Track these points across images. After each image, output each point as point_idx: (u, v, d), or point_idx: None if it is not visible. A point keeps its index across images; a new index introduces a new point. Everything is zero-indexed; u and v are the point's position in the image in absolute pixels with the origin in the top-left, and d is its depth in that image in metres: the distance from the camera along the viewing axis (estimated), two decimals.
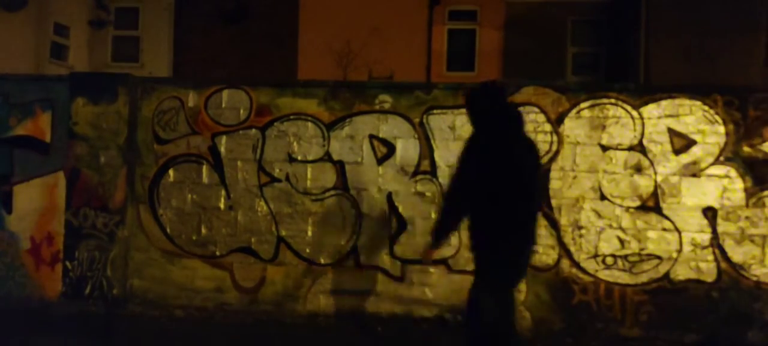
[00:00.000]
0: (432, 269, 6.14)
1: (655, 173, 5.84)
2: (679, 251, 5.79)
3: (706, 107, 5.80)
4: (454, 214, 4.22)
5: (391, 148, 6.21)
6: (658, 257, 5.82)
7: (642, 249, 5.84)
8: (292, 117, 6.31)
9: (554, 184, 5.93)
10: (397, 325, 6.02)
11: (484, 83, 4.48)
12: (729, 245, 5.74)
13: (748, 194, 5.74)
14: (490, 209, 3.97)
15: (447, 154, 6.13)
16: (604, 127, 5.91)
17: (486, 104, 4.23)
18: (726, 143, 5.76)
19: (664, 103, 5.86)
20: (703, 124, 5.80)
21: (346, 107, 6.26)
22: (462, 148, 4.27)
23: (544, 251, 5.92)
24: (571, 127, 5.93)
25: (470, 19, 14.49)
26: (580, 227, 5.91)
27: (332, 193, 6.26)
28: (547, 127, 5.94)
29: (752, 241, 5.72)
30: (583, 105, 5.94)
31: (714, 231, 5.76)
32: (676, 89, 5.90)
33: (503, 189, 3.93)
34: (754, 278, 5.70)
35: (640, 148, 5.87)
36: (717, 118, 5.78)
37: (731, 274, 5.73)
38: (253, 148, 6.34)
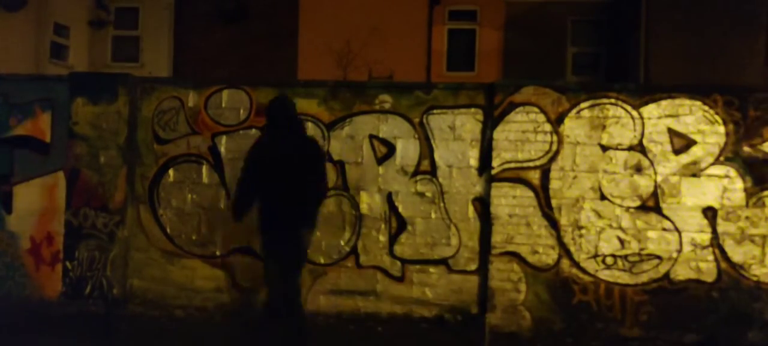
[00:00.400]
0: (432, 270, 6.15)
1: (655, 173, 5.84)
2: (679, 251, 5.79)
3: (706, 107, 5.79)
4: (242, 200, 4.94)
5: (391, 148, 6.21)
6: (658, 257, 5.82)
7: (642, 249, 5.84)
8: None
9: (554, 184, 5.93)
10: (397, 325, 6.02)
11: (277, 97, 5.17)
12: (729, 245, 5.74)
13: (748, 193, 5.74)
14: (270, 198, 4.76)
15: (447, 154, 6.14)
16: (604, 127, 5.91)
17: (276, 113, 4.95)
18: (726, 143, 5.76)
19: (664, 103, 5.86)
20: (703, 124, 5.80)
21: (346, 107, 6.27)
22: (253, 144, 5.11)
23: (544, 251, 5.92)
24: (571, 127, 5.93)
25: (470, 19, 14.49)
26: (580, 227, 5.91)
27: (332, 193, 6.25)
28: (547, 127, 5.94)
29: (752, 241, 5.72)
30: (583, 105, 5.94)
31: (714, 231, 5.76)
32: (676, 89, 5.90)
33: (280, 181, 4.70)
34: (754, 278, 5.70)
35: (640, 148, 5.87)
36: (717, 118, 5.78)
37: (731, 274, 5.73)
38: None
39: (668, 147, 5.84)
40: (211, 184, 6.41)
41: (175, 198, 6.46)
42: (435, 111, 6.17)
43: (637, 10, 12.28)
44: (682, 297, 5.76)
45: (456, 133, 6.14)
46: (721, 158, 5.77)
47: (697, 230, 5.78)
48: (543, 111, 5.96)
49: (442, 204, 6.15)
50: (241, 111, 6.38)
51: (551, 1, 14.00)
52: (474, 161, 6.13)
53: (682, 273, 5.78)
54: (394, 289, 6.19)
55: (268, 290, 5.00)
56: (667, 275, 5.81)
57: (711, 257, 5.76)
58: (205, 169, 6.42)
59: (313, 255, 6.26)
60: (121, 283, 6.44)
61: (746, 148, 5.74)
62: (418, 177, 6.18)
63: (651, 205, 5.85)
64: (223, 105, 6.41)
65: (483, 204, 6.08)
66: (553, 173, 5.94)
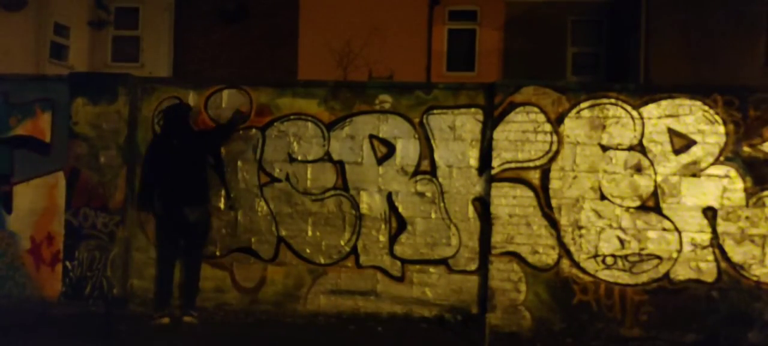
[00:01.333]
0: (432, 270, 6.15)
1: (655, 173, 5.84)
2: (679, 251, 5.79)
3: (706, 107, 5.79)
4: (148, 187, 6.15)
5: (391, 148, 6.21)
6: (658, 257, 5.82)
7: (642, 249, 5.84)
8: (292, 117, 6.32)
9: (554, 184, 5.93)
10: (397, 325, 6.02)
11: (175, 104, 6.29)
12: (729, 245, 5.74)
13: (748, 193, 5.73)
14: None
15: (447, 154, 6.14)
16: (604, 127, 5.91)
17: (171, 115, 6.21)
18: (726, 143, 5.76)
19: (664, 103, 5.86)
20: (703, 124, 5.80)
21: (346, 107, 6.27)
22: (152, 141, 6.28)
23: (544, 251, 5.92)
24: (571, 127, 5.93)
25: (470, 19, 14.50)
26: (580, 227, 5.91)
27: (332, 193, 6.26)
28: (547, 127, 5.94)
29: (752, 241, 5.72)
30: (583, 105, 5.94)
31: (714, 231, 5.76)
32: (676, 89, 5.90)
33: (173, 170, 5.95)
34: (754, 278, 5.70)
35: (640, 148, 5.87)
36: (717, 118, 5.77)
37: (731, 274, 5.73)
38: (253, 149, 6.34)
39: (668, 147, 5.84)
40: (211, 184, 6.40)
41: None
42: (435, 111, 6.17)
43: (637, 11, 12.29)
44: (682, 297, 5.76)
45: (456, 133, 6.15)
46: (721, 158, 5.76)
47: (697, 230, 5.78)
48: (543, 111, 5.96)
49: (442, 204, 6.15)
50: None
51: (551, 2, 14.00)
52: (474, 161, 6.13)
53: (682, 273, 5.78)
54: (395, 289, 6.20)
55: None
56: (667, 275, 5.81)
57: (711, 257, 5.76)
58: None
59: (313, 255, 6.28)
60: (122, 283, 6.44)
61: (746, 148, 5.74)
62: (418, 177, 6.19)
63: (651, 205, 5.85)
64: (224, 105, 6.41)
65: (483, 204, 6.09)
66: (553, 173, 5.94)
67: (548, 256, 5.92)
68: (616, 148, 5.90)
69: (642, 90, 6.13)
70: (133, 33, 14.14)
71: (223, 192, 6.37)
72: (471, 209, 6.12)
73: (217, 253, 6.40)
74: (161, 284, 6.18)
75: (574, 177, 5.94)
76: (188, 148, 6.03)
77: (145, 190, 6.18)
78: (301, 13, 13.79)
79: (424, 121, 6.18)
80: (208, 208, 6.19)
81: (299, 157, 6.29)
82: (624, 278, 5.85)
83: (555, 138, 5.95)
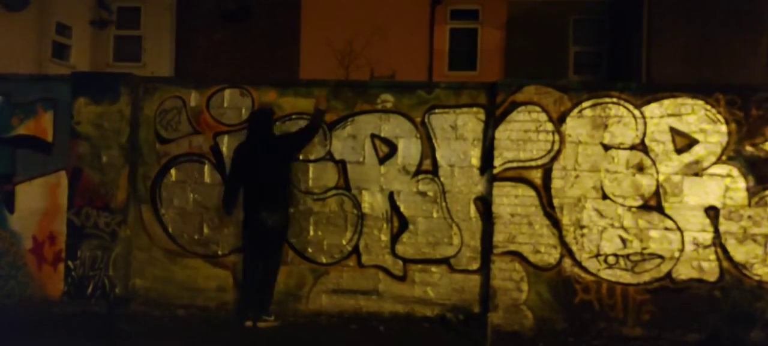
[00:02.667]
0: (434, 269, 6.15)
1: (657, 173, 5.84)
2: (681, 250, 5.78)
3: (709, 106, 5.79)
4: (231, 191, 6.16)
5: (392, 148, 6.22)
6: (660, 257, 5.81)
7: (644, 248, 5.83)
8: (294, 116, 6.32)
9: (556, 183, 5.93)
10: (399, 324, 6.02)
11: (260, 109, 6.27)
12: (731, 245, 5.74)
13: (751, 193, 5.73)
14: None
15: (449, 154, 6.14)
16: (606, 127, 5.90)
17: (257, 120, 6.15)
18: (728, 142, 5.75)
19: (666, 102, 5.85)
20: (705, 123, 5.79)
21: (348, 107, 6.27)
22: (237, 145, 6.21)
23: (546, 251, 5.92)
24: (573, 126, 5.93)
25: (472, 18, 14.46)
26: (582, 227, 5.90)
27: (334, 192, 6.26)
28: (549, 126, 5.94)
29: (754, 240, 5.71)
30: (585, 104, 5.94)
31: (716, 230, 5.75)
32: (679, 88, 5.89)
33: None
34: (757, 278, 5.69)
35: (642, 147, 5.86)
36: (719, 117, 5.77)
37: (733, 273, 5.73)
38: None
39: (670, 146, 5.83)
40: (213, 183, 6.42)
41: (177, 198, 6.47)
42: (437, 110, 6.17)
43: (639, 10, 12.26)
44: (684, 296, 5.76)
45: (458, 132, 6.14)
46: (724, 157, 5.76)
47: (699, 230, 5.77)
48: (545, 110, 5.96)
49: (443, 203, 6.15)
50: (243, 110, 6.39)
51: (553, 1, 13.96)
52: (476, 161, 6.13)
53: (684, 272, 5.78)
54: (396, 288, 6.20)
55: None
56: (669, 275, 5.80)
57: (713, 257, 5.75)
58: (207, 168, 6.43)
59: (315, 254, 6.28)
60: (124, 282, 6.45)
61: (748, 148, 5.73)
62: (420, 176, 6.19)
63: (653, 204, 5.84)
64: (225, 105, 6.42)
65: (485, 203, 6.09)
66: (555, 173, 5.94)
67: (550, 255, 5.92)
68: (618, 148, 5.89)
69: (644, 89, 6.12)
70: (134, 33, 14.12)
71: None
72: (473, 208, 6.12)
73: (219, 252, 6.41)
74: (245, 288, 6.09)
75: (576, 176, 5.93)
76: (271, 151, 5.98)
77: (228, 193, 6.14)
78: (302, 12, 13.77)
79: (426, 120, 6.18)
80: (287, 213, 6.12)
81: (301, 157, 6.29)
82: (626, 278, 5.85)
83: (557, 137, 5.94)
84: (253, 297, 5.99)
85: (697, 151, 5.79)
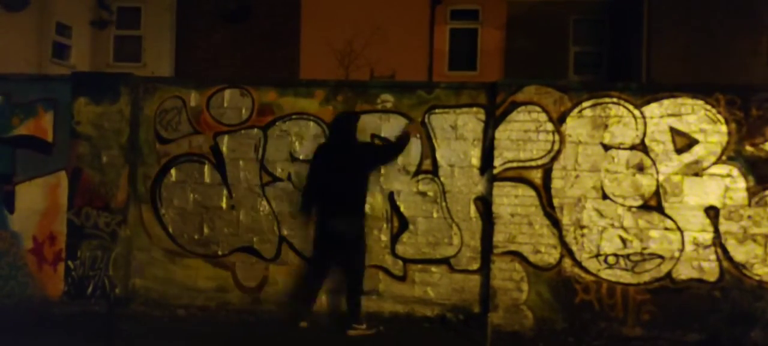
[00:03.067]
0: (434, 269, 6.15)
1: (657, 172, 5.84)
2: (682, 250, 5.78)
3: (709, 106, 5.78)
4: (308, 194, 6.08)
5: None
6: (661, 257, 5.81)
7: (644, 248, 5.83)
8: (294, 116, 6.32)
9: (556, 183, 5.93)
10: (399, 324, 6.02)
11: (346, 114, 6.14)
12: (731, 245, 5.73)
13: (751, 193, 5.72)
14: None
15: (449, 154, 6.14)
16: (606, 127, 5.90)
17: (341, 125, 6.04)
18: (728, 142, 5.75)
19: (666, 102, 5.85)
20: (705, 123, 5.79)
21: (348, 107, 6.27)
22: (317, 148, 6.12)
23: (546, 251, 5.92)
24: (573, 126, 5.93)
25: (472, 18, 14.48)
26: (582, 227, 5.90)
27: None
28: (549, 126, 5.94)
29: (754, 240, 5.71)
30: (585, 104, 5.93)
31: (716, 230, 5.75)
32: (678, 88, 5.89)
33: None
34: (757, 278, 5.69)
35: (642, 147, 5.86)
36: (719, 117, 5.76)
37: (733, 273, 5.72)
38: (255, 148, 6.35)
39: (670, 146, 5.83)
40: (213, 183, 6.42)
41: (177, 198, 6.47)
42: (437, 110, 6.17)
43: (639, 10, 12.27)
44: (685, 297, 5.76)
45: (458, 132, 6.14)
46: (724, 157, 5.75)
47: (699, 230, 5.77)
48: (545, 110, 5.96)
49: (443, 203, 6.15)
50: (243, 110, 6.39)
51: (553, 1, 13.98)
52: (476, 161, 6.12)
53: (684, 272, 5.78)
54: (396, 288, 6.20)
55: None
56: (669, 275, 5.80)
57: (713, 257, 5.75)
58: (207, 168, 6.43)
59: None
60: (124, 282, 6.45)
61: (748, 148, 5.73)
62: (420, 176, 6.18)
63: (653, 204, 5.84)
64: (225, 105, 6.42)
65: (485, 203, 6.08)
66: (555, 173, 5.94)
67: (550, 255, 5.92)
68: (618, 148, 5.89)
69: (644, 89, 6.12)
70: (135, 33, 14.13)
71: (225, 191, 6.38)
72: (473, 208, 6.12)
73: (219, 252, 6.41)
74: (306, 290, 6.01)
75: (576, 176, 5.93)
76: (354, 159, 5.89)
77: (305, 196, 6.09)
78: (302, 12, 13.78)
79: (426, 120, 6.17)
80: (363, 222, 6.00)
81: (301, 157, 6.30)
82: (626, 278, 5.85)
83: (557, 137, 5.94)
84: (311, 301, 5.96)
85: (697, 151, 5.79)
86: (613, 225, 5.87)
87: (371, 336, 5.69)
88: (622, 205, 5.87)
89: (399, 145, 6.06)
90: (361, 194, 5.94)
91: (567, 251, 5.91)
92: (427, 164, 6.17)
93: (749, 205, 5.72)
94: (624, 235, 5.86)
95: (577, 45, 14.08)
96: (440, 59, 14.25)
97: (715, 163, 5.76)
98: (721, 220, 5.74)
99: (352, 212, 5.84)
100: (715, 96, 5.79)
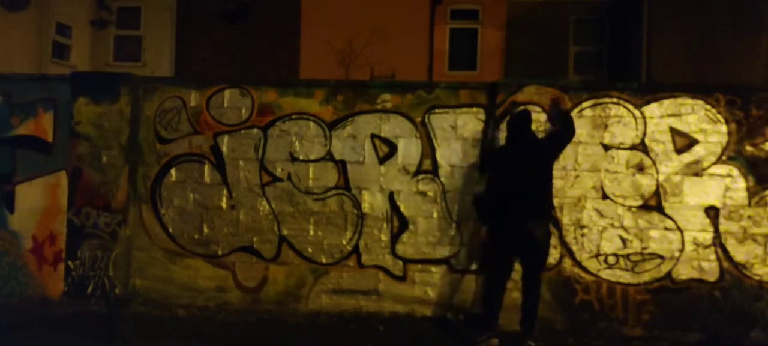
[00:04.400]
0: (434, 269, 6.15)
1: (657, 172, 5.84)
2: (682, 250, 5.79)
3: (709, 106, 5.79)
4: (487, 199, 5.58)
5: (392, 148, 6.22)
6: (661, 257, 5.81)
7: (644, 248, 5.83)
8: (293, 116, 6.32)
9: (556, 183, 5.92)
10: (398, 324, 6.02)
11: (520, 112, 5.75)
12: (731, 245, 5.74)
13: (751, 193, 5.73)
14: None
15: (448, 154, 6.14)
16: (606, 127, 5.90)
17: (516, 124, 5.60)
18: (728, 142, 5.76)
19: (666, 102, 5.86)
20: (705, 123, 5.79)
21: (348, 107, 6.27)
22: (491, 150, 5.89)
23: None
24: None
25: (472, 18, 14.47)
26: (582, 227, 5.90)
27: (334, 192, 6.26)
28: (549, 126, 5.93)
29: (755, 240, 5.72)
30: (585, 104, 5.94)
31: (716, 230, 5.76)
32: (679, 88, 5.89)
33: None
34: (757, 278, 5.69)
35: (642, 147, 5.87)
36: (719, 117, 5.77)
37: (733, 273, 5.73)
38: (255, 148, 6.35)
39: (670, 146, 5.84)
40: (213, 183, 6.42)
41: (177, 198, 6.48)
42: (437, 110, 6.17)
43: (640, 9, 12.27)
44: (685, 296, 5.76)
45: (458, 132, 6.14)
46: (724, 157, 5.76)
47: (699, 230, 5.77)
48: (545, 110, 5.95)
49: (443, 203, 6.14)
50: (243, 110, 6.39)
51: (553, 1, 13.98)
52: (476, 160, 6.12)
53: (684, 272, 5.78)
54: (396, 288, 6.20)
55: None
56: (669, 275, 5.80)
57: (713, 257, 5.75)
58: (207, 168, 6.44)
59: (315, 254, 6.28)
60: (124, 282, 6.45)
61: (749, 148, 5.73)
62: (420, 176, 6.19)
63: (653, 204, 5.84)
64: (225, 104, 6.42)
65: None
66: (555, 172, 5.91)
67: (550, 255, 5.90)
68: (618, 148, 5.89)
69: (644, 89, 6.12)
70: (135, 33, 14.14)
71: (225, 191, 6.38)
72: (473, 208, 6.11)
73: (219, 252, 6.41)
74: (492, 302, 5.48)
75: (576, 176, 5.93)
76: (533, 157, 5.43)
77: (488, 202, 5.55)
78: (302, 12, 13.78)
79: (426, 120, 6.18)
80: (549, 223, 5.59)
81: (301, 157, 6.30)
82: (626, 278, 5.85)
83: None
84: (497, 313, 5.46)
85: (697, 151, 5.79)
86: (613, 225, 5.88)
87: None
88: (622, 205, 5.87)
89: (567, 128, 5.63)
90: (549, 189, 5.52)
91: (567, 250, 5.92)
92: (427, 164, 6.18)
93: (749, 205, 5.72)
94: (624, 235, 5.86)
95: (577, 45, 14.08)
96: (440, 59, 14.25)
97: (715, 163, 5.77)
98: (721, 220, 5.75)
99: (542, 213, 5.42)
100: (715, 96, 5.79)
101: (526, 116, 5.62)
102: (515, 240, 5.33)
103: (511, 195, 5.31)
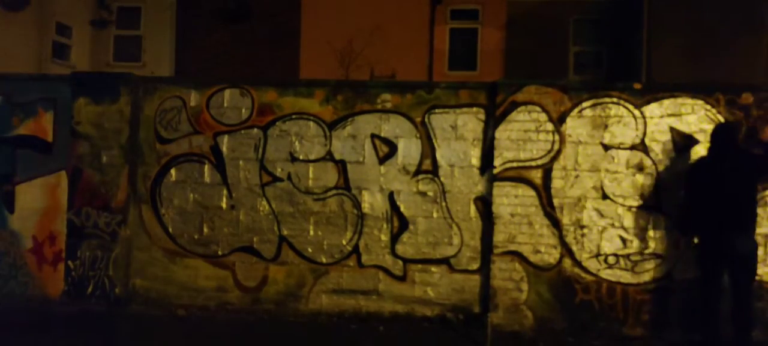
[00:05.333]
0: (434, 269, 6.15)
1: (657, 172, 5.83)
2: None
3: (709, 106, 5.79)
4: (689, 210, 5.50)
5: (392, 148, 6.21)
6: (661, 257, 5.81)
7: (644, 248, 5.83)
8: (294, 116, 6.32)
9: (556, 183, 5.93)
10: (399, 324, 6.02)
11: (726, 123, 5.68)
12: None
13: None
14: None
15: (449, 154, 6.14)
16: (606, 127, 5.90)
17: (722, 135, 5.43)
18: None
19: (666, 102, 5.85)
20: (705, 123, 5.79)
21: (348, 107, 6.27)
22: (696, 161, 5.66)
23: (546, 251, 5.92)
24: (573, 126, 5.93)
25: (472, 18, 14.47)
26: (582, 227, 5.90)
27: (334, 192, 6.26)
28: (549, 126, 5.94)
29: None
30: (585, 104, 5.94)
31: None
32: (678, 88, 5.89)
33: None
34: (757, 278, 5.67)
35: (642, 147, 5.86)
36: (719, 117, 5.76)
37: None
38: (255, 148, 6.35)
39: (670, 146, 5.83)
40: (213, 183, 6.42)
41: (177, 197, 6.47)
42: (437, 110, 6.17)
43: (640, 9, 12.27)
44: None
45: (458, 132, 6.14)
46: None
47: None
48: (545, 110, 5.96)
49: (443, 203, 6.15)
50: (243, 110, 6.39)
51: (553, 1, 13.97)
52: (476, 160, 6.12)
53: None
54: (396, 288, 6.20)
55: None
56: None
57: None
58: (207, 168, 6.43)
59: (315, 254, 6.28)
60: (124, 282, 6.45)
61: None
62: (420, 176, 6.19)
63: (653, 204, 5.84)
64: (225, 104, 6.42)
65: (485, 203, 6.08)
66: (555, 173, 5.94)
67: (550, 255, 5.92)
68: (618, 148, 5.89)
69: (644, 89, 6.12)
70: (134, 33, 14.14)
71: (225, 191, 6.38)
72: (473, 208, 6.12)
73: (219, 252, 6.41)
74: (710, 325, 5.30)
75: (576, 176, 5.93)
76: (742, 169, 5.25)
77: (690, 214, 5.46)
78: (302, 12, 13.79)
79: (426, 120, 6.18)
80: (755, 238, 5.29)
81: (301, 157, 6.30)
82: (626, 278, 5.85)
83: (557, 137, 5.94)
84: (718, 327, 5.28)
85: (698, 150, 5.78)
86: (613, 225, 5.88)
87: None
88: (622, 205, 5.87)
89: None
90: (754, 204, 5.34)
91: (567, 250, 5.92)
92: (427, 164, 6.18)
93: None
94: (624, 235, 5.86)
95: (577, 45, 14.07)
96: (440, 59, 14.25)
97: None
98: None
99: (749, 227, 5.25)
100: (715, 96, 5.79)
101: (733, 128, 5.54)
102: (722, 254, 5.21)
103: (714, 206, 5.21)
